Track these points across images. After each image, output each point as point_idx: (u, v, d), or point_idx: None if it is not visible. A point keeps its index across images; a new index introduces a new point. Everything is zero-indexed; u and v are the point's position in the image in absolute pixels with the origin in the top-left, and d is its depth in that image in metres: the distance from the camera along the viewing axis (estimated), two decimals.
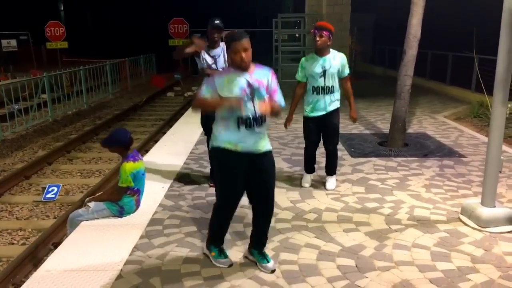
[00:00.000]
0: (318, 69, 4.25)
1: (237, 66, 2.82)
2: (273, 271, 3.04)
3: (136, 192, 3.95)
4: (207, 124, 4.72)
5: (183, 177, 5.02)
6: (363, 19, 17.87)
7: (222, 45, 4.61)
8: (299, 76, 4.43)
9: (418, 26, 6.01)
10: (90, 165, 7.26)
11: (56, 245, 4.00)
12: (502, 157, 3.85)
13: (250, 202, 3.08)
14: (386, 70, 16.41)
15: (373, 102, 10.10)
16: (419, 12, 5.96)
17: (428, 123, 7.95)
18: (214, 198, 4.36)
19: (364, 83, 13.09)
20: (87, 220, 3.82)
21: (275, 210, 3.98)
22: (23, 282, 3.11)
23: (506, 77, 3.57)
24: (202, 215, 3.99)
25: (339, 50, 4.49)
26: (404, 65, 6.16)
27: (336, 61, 4.28)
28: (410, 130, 7.21)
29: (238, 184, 2.95)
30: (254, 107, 2.83)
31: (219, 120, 2.93)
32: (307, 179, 4.72)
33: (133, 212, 3.98)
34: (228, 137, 2.88)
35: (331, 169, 4.65)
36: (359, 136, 6.91)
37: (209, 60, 4.56)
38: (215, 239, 3.21)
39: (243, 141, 2.86)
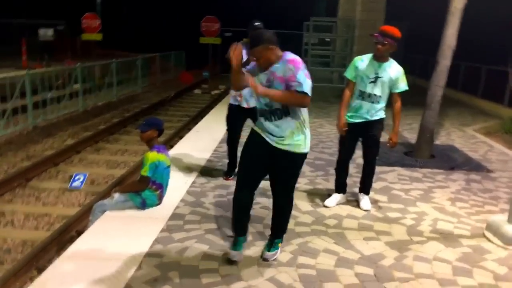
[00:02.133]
0: (371, 74, 3.93)
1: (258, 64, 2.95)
2: (264, 260, 3.17)
3: (159, 187, 4.01)
4: (231, 118, 4.78)
5: (206, 174, 5.07)
6: (397, 27, 17.60)
7: None
8: (349, 74, 4.03)
9: (453, 37, 5.89)
10: (116, 156, 7.41)
11: (79, 233, 4.10)
12: None
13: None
14: (415, 79, 16.15)
15: (401, 110, 9.93)
16: (456, 22, 5.85)
17: (457, 136, 7.78)
18: None
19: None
20: (110, 211, 3.91)
21: (295, 213, 4.01)
22: (46, 267, 3.20)
23: None
24: (223, 213, 4.02)
25: None
26: (436, 75, 6.06)
27: (392, 71, 3.94)
28: (437, 142, 7.08)
29: (254, 164, 3.08)
30: (270, 101, 2.92)
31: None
32: (334, 199, 4.28)
33: (156, 205, 4.05)
34: (257, 124, 3.12)
35: (367, 186, 4.28)
36: (384, 145, 6.78)
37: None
38: (234, 225, 3.34)
39: (267, 131, 3.01)
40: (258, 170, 3.12)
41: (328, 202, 4.27)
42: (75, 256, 3.19)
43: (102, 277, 2.90)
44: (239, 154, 4.99)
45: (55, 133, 8.68)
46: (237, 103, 4.70)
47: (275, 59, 2.90)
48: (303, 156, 3.08)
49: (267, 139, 3.02)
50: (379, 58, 3.95)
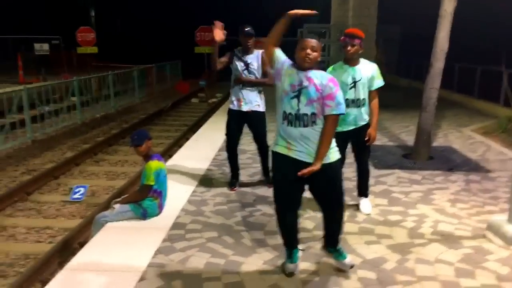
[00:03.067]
0: (348, 80, 3.94)
1: (299, 63, 2.86)
2: (351, 267, 3.11)
3: (159, 195, 4.04)
4: (231, 124, 4.81)
5: (206, 183, 5.08)
6: (389, 31, 17.74)
7: (257, 52, 4.69)
8: None
9: (445, 39, 5.95)
10: (116, 167, 7.41)
11: (81, 245, 4.10)
12: None
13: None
14: (411, 82, 16.24)
15: (397, 113, 10.00)
16: (447, 25, 5.91)
17: (454, 137, 7.82)
18: (235, 205, 4.44)
19: (389, 94, 12.99)
20: (111, 221, 3.91)
21: None
22: (49, 279, 3.20)
23: None
24: (224, 221, 4.03)
25: None
26: (431, 78, 6.10)
27: (367, 71, 3.98)
28: (435, 143, 7.11)
29: (288, 188, 2.99)
30: (298, 105, 2.84)
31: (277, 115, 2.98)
32: None
33: (156, 215, 4.06)
34: (279, 135, 2.95)
35: (364, 188, 4.31)
36: (382, 148, 6.85)
37: (241, 66, 4.65)
38: (285, 240, 3.20)
39: (290, 139, 2.88)
40: (294, 191, 3.02)
41: None
42: (78, 268, 3.19)
43: None
44: (240, 161, 5.05)
45: (54, 146, 8.68)
46: (236, 108, 4.73)
47: (316, 64, 2.89)
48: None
49: (297, 155, 2.89)
50: (351, 62, 3.98)
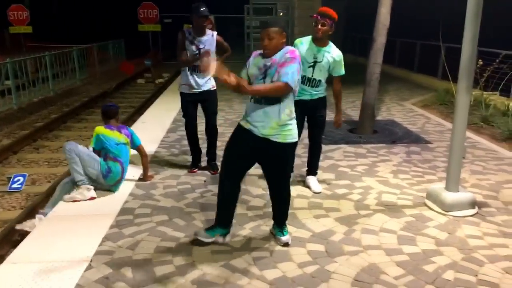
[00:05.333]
0: (309, 58, 3.92)
1: (263, 51, 3.00)
2: (285, 245, 3.22)
3: (119, 162, 4.20)
4: (186, 106, 4.68)
5: (155, 166, 4.97)
6: (334, 7, 17.91)
7: (210, 33, 4.49)
8: None
9: (387, 15, 6.10)
10: (57, 154, 7.07)
11: (23, 236, 3.89)
12: (465, 144, 3.99)
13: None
14: (356, 58, 16.61)
15: (344, 89, 10.18)
16: (388, 1, 6.05)
17: (396, 110, 8.13)
18: (185, 187, 4.38)
19: None
20: (75, 157, 4.08)
21: (247, 197, 4.04)
22: None
23: (470, 65, 3.68)
24: (174, 204, 3.97)
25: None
26: (374, 53, 6.26)
27: (331, 55, 3.95)
28: (379, 117, 7.36)
29: (237, 158, 3.11)
30: (264, 83, 2.96)
31: None
32: None
33: (117, 180, 4.17)
34: (245, 111, 3.10)
35: (314, 166, 4.38)
36: (329, 123, 6.93)
37: (193, 49, 4.43)
38: (217, 215, 3.30)
39: (250, 115, 3.01)
40: (242, 164, 3.17)
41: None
42: (20, 260, 3.04)
43: (50, 280, 2.78)
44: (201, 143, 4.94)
45: None
46: (187, 91, 4.58)
47: (281, 48, 2.96)
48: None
49: (251, 129, 3.02)
50: (318, 42, 3.95)
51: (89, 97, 11.71)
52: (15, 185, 5.43)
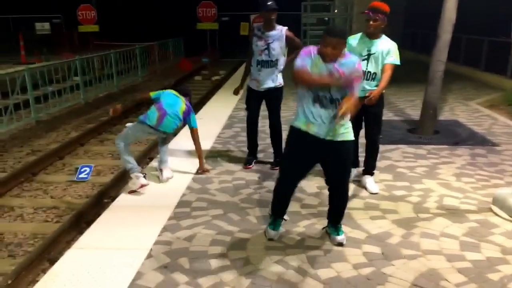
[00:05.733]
0: (363, 51, 3.90)
1: (323, 56, 2.91)
2: (339, 244, 3.19)
3: (163, 111, 4.37)
4: (250, 101, 4.78)
5: (211, 160, 5.08)
6: (395, 2, 17.38)
7: (280, 29, 4.46)
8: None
9: (453, 10, 5.81)
10: None
11: (89, 224, 4.14)
12: None
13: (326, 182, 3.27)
14: (417, 55, 16.00)
15: (403, 87, 9.89)
16: None
17: (460, 110, 7.74)
18: (240, 182, 4.44)
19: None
20: (121, 145, 4.32)
21: (301, 195, 4.03)
22: (58, 258, 3.24)
23: None
24: (229, 199, 4.04)
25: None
26: (437, 50, 5.99)
27: (384, 46, 3.89)
28: (441, 117, 7.04)
29: (300, 164, 3.11)
30: (330, 92, 2.91)
31: (299, 98, 3.06)
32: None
33: (154, 125, 4.35)
34: (303, 114, 3.02)
35: (371, 166, 4.27)
36: (387, 123, 6.78)
37: (261, 45, 4.45)
38: (273, 206, 3.37)
39: (316, 120, 2.96)
40: (304, 167, 3.21)
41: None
42: (86, 246, 3.23)
43: (113, 266, 2.94)
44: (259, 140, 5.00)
45: (59, 126, 8.69)
46: (254, 88, 4.65)
47: (342, 56, 2.94)
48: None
49: (316, 133, 2.98)
50: (371, 35, 3.92)
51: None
52: (82, 175, 5.77)
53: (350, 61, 2.93)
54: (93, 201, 4.89)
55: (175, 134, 4.95)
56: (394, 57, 3.93)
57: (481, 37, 11.78)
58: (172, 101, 4.45)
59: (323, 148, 3.00)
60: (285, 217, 3.40)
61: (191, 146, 5.45)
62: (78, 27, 18.84)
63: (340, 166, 3.11)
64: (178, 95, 4.56)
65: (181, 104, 4.50)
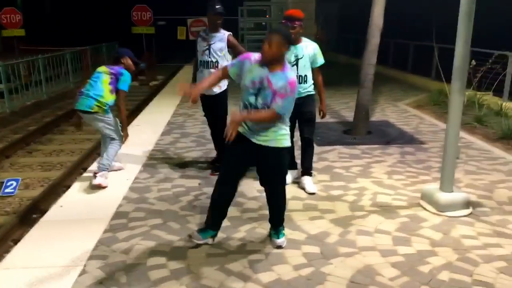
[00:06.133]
0: (291, 58, 4.03)
1: (262, 57, 2.97)
2: (279, 247, 3.21)
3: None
4: (204, 108, 4.77)
5: (149, 169, 4.95)
6: (328, 8, 18.01)
7: (223, 33, 4.52)
8: None
9: (380, 16, 6.11)
10: (51, 157, 7.02)
11: (16, 242, 3.86)
12: (459, 144, 4.00)
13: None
14: (350, 59, 16.66)
15: (338, 90, 10.26)
16: (381, 2, 6.06)
17: (390, 111, 8.15)
18: (180, 189, 4.36)
19: (329, 72, 13.28)
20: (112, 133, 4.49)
21: (241, 200, 4.03)
22: None
23: (463, 66, 3.69)
24: (168, 207, 3.95)
25: None
26: (367, 54, 6.27)
27: (308, 49, 4.12)
28: (373, 118, 7.37)
29: (235, 162, 3.12)
30: (256, 101, 2.97)
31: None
32: (289, 176, 4.29)
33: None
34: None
35: (308, 166, 4.39)
36: (324, 125, 6.99)
37: (203, 45, 4.50)
38: (209, 215, 3.31)
39: (246, 123, 3.02)
40: (239, 167, 3.20)
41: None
42: (13, 266, 3.01)
43: (44, 286, 2.75)
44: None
45: None
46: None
47: (280, 63, 2.96)
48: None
49: (247, 135, 3.04)
50: (294, 41, 4.02)
51: None
52: (8, 190, 5.38)
53: (283, 75, 2.94)
54: (20, 217, 4.57)
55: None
56: (320, 58, 4.21)
57: (407, 41, 12.51)
58: (93, 81, 4.48)
59: (254, 150, 3.05)
60: (210, 241, 3.28)
61: (128, 154, 5.27)
62: (2, 31, 17.64)
63: (271, 173, 3.16)
64: (102, 70, 4.55)
65: (103, 78, 4.47)
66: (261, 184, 3.30)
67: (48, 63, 12.66)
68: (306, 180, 4.37)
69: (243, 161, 3.15)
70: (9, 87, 10.28)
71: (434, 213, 3.78)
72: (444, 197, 3.79)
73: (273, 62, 2.95)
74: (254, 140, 3.03)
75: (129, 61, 4.61)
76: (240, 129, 3.04)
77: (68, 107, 10.88)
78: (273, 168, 3.14)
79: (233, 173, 3.18)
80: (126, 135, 4.70)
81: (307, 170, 4.41)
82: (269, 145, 3.02)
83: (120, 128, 4.63)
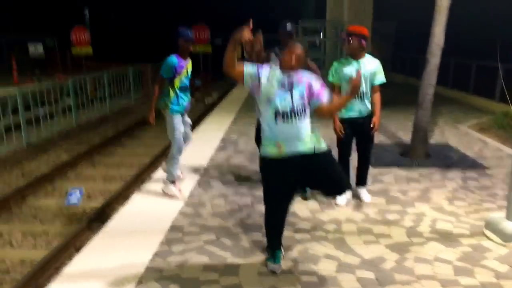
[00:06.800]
0: (352, 72, 4.01)
1: (285, 65, 2.99)
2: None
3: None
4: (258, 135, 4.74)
5: (203, 185, 5.06)
6: (385, 27, 17.74)
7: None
8: (332, 78, 4.20)
9: (441, 35, 5.93)
10: (113, 170, 7.37)
11: (78, 250, 4.07)
12: None
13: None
14: (406, 78, 16.23)
15: (393, 110, 9.99)
16: (443, 20, 5.89)
17: (451, 134, 7.82)
18: (233, 206, 4.41)
19: (384, 91, 13.01)
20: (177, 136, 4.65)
21: (294, 220, 4.01)
22: (46, 285, 3.17)
23: None
24: (221, 224, 4.01)
25: None
26: (427, 74, 6.09)
27: (371, 66, 4.12)
28: (432, 141, 7.10)
29: (284, 191, 3.09)
30: (292, 99, 2.95)
31: (261, 118, 3.11)
32: (343, 196, 4.29)
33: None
34: (269, 135, 3.00)
35: (364, 178, 4.47)
36: (379, 146, 6.83)
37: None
38: (269, 240, 3.31)
39: (281, 139, 2.96)
40: (289, 194, 3.20)
41: (339, 200, 4.36)
42: (74, 274, 3.17)
43: None
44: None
45: (50, 149, 8.63)
46: None
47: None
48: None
49: (290, 151, 2.98)
50: (355, 56, 4.13)
51: (142, 116, 12.14)
52: (72, 200, 5.68)
53: (307, 73, 3.07)
54: (83, 226, 4.82)
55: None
56: (381, 76, 4.20)
57: (470, 60, 12.01)
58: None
59: (300, 164, 2.98)
60: (282, 251, 3.31)
61: (183, 169, 5.41)
62: (72, 49, 18.89)
63: (322, 174, 3.05)
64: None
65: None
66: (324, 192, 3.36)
67: (112, 78, 13.39)
68: (361, 189, 4.48)
69: (290, 185, 3.09)
70: (76, 101, 10.96)
71: (499, 244, 3.56)
72: (510, 227, 3.56)
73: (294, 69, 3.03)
74: (297, 155, 2.95)
75: (181, 42, 4.64)
76: (275, 153, 2.98)
77: (129, 123, 11.41)
78: (324, 171, 3.05)
79: (284, 201, 3.15)
80: (149, 117, 4.82)
81: (362, 180, 4.48)
82: (313, 151, 3.00)
83: (176, 132, 4.68)
